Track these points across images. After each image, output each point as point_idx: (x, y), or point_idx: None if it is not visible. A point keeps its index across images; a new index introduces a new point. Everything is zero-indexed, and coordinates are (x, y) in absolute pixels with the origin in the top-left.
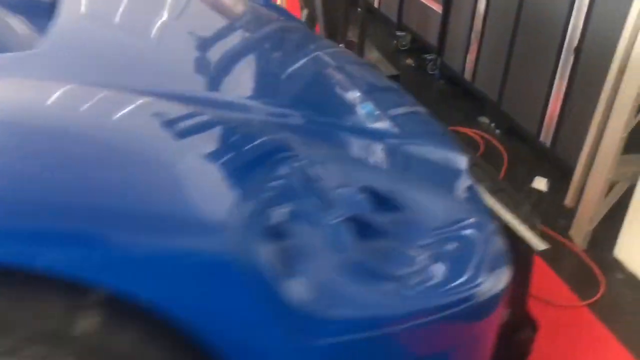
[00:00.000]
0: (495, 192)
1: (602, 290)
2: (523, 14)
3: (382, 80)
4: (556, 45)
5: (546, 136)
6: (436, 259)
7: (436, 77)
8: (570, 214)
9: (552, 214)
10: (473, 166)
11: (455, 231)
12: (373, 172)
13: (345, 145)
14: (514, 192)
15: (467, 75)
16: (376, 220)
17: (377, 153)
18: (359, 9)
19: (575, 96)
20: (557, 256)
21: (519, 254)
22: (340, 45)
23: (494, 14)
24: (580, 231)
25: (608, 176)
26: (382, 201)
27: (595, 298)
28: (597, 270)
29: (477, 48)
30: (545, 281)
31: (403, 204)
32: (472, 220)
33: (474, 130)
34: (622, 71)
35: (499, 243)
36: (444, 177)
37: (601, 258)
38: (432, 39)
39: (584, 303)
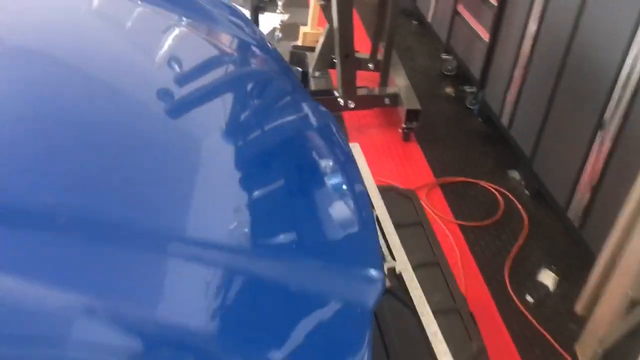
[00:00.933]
0: (444, 312)
1: None
2: (569, 62)
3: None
4: (600, 105)
5: (575, 214)
6: None
7: (474, 113)
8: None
9: (563, 312)
10: (430, 266)
11: None
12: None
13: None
14: (469, 316)
15: (504, 119)
16: None
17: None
18: (414, 22)
19: (611, 175)
20: None
21: None
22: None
23: (540, 54)
24: (587, 351)
25: (629, 291)
26: None
27: None
28: None
29: (518, 91)
30: None
31: None
32: None
33: (498, 187)
34: None
35: None
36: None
37: None
38: (476, 69)
39: None
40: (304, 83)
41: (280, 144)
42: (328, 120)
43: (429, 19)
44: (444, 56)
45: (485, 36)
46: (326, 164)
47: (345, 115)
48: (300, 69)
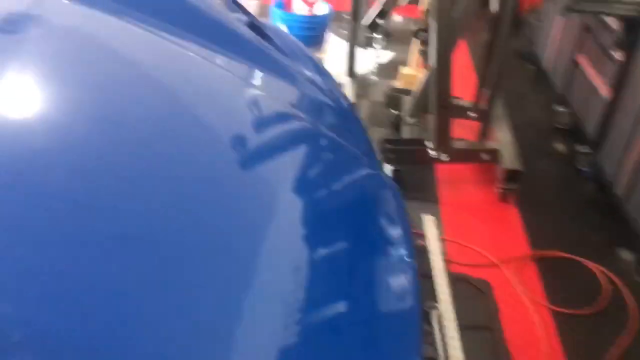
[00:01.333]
0: None
1: None
2: None
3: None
4: None
5: None
6: None
7: (586, 176)
8: None
9: None
10: None
11: None
12: None
13: None
14: None
15: (620, 188)
16: None
17: None
18: (533, 67)
19: None
20: None
21: None
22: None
23: None
24: None
25: None
26: None
27: None
28: None
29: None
30: None
31: None
32: None
33: (605, 270)
34: None
35: None
36: None
37: None
38: (591, 127)
39: None
40: (396, 128)
41: (322, 220)
42: (389, 194)
43: (545, 65)
44: (558, 108)
45: (605, 92)
46: (371, 245)
47: (438, 165)
48: (394, 112)
